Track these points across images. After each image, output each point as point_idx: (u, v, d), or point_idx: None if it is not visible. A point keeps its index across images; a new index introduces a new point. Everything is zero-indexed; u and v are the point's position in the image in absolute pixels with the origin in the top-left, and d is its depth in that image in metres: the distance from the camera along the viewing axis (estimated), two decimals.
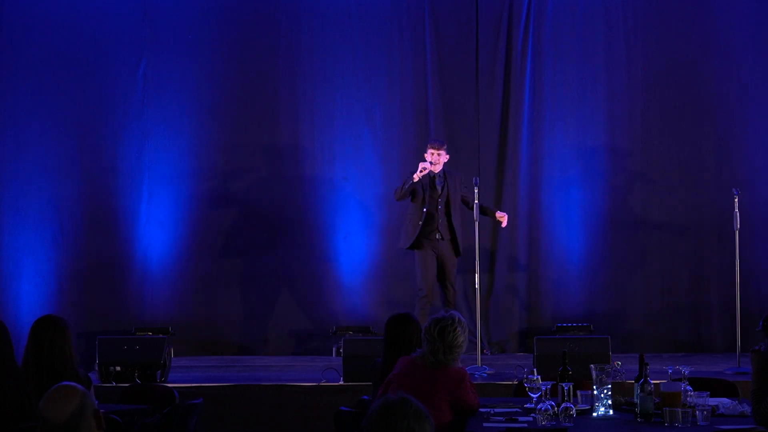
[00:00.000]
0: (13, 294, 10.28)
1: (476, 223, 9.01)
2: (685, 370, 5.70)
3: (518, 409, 5.49)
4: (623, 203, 10.52)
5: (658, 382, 5.39)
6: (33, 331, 5.57)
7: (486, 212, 9.43)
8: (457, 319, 5.42)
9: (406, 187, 9.30)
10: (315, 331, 10.41)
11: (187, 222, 10.54)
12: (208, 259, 10.55)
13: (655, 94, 10.50)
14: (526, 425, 5.11)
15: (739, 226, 8.86)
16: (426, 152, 9.39)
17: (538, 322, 10.42)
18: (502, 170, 10.56)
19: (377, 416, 3.18)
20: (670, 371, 5.73)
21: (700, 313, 10.39)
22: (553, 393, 5.40)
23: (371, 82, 10.61)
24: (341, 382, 8.32)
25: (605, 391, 5.33)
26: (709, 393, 5.44)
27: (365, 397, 6.29)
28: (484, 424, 5.14)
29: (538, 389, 5.28)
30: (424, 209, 9.37)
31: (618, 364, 5.68)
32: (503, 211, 9.59)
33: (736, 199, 8.84)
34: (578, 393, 5.46)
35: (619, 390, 5.47)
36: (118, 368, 8.50)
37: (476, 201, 9.01)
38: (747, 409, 5.31)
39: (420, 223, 9.38)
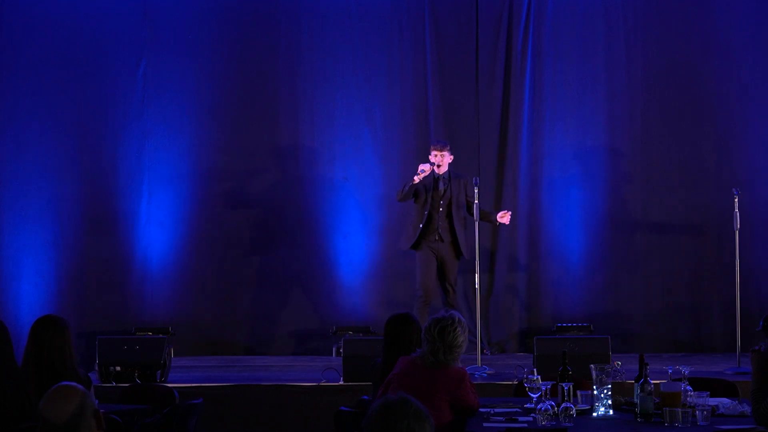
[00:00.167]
0: (13, 294, 10.28)
1: (476, 224, 9.01)
2: (685, 370, 5.70)
3: (518, 409, 5.49)
4: (623, 203, 10.52)
5: (658, 382, 5.39)
6: (33, 331, 5.57)
7: (488, 218, 9.41)
8: (457, 319, 5.43)
9: (407, 189, 9.30)
10: (315, 331, 10.41)
11: (187, 222, 10.54)
12: (208, 259, 10.55)
13: (655, 94, 10.50)
14: (526, 425, 5.11)
15: (739, 226, 8.86)
16: (429, 153, 9.41)
17: (538, 322, 10.42)
18: (502, 170, 10.56)
19: (377, 416, 3.18)
20: (670, 371, 5.73)
21: (700, 313, 10.39)
22: (553, 393, 5.40)
23: (371, 82, 10.61)
24: (341, 382, 8.32)
25: (605, 391, 5.33)
26: (709, 393, 5.44)
27: (365, 397, 6.29)
28: (484, 424, 5.14)
29: (538, 389, 5.29)
30: (426, 211, 9.37)
31: (618, 364, 5.68)
32: (503, 210, 9.57)
33: (736, 199, 8.84)
34: (578, 393, 5.46)
35: (619, 390, 5.47)
36: (118, 368, 8.50)
37: (476, 201, 9.01)
38: (747, 409, 5.31)
39: (421, 225, 9.38)
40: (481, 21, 10.57)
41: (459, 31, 10.62)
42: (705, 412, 5.07)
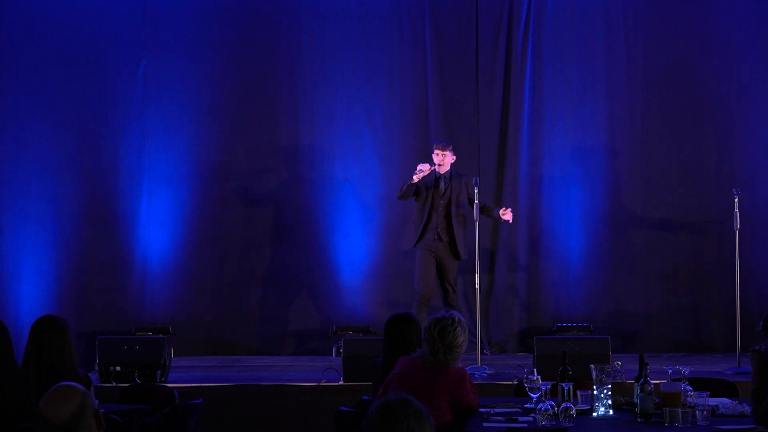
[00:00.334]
0: (13, 294, 10.28)
1: (476, 223, 9.01)
2: (685, 370, 5.70)
3: (518, 409, 5.49)
4: (623, 203, 10.52)
5: (658, 382, 5.39)
6: (33, 331, 5.57)
7: (489, 213, 9.41)
8: (457, 319, 5.42)
9: (405, 187, 9.31)
10: (315, 331, 10.41)
11: (187, 222, 10.54)
12: (208, 260, 10.55)
13: (655, 94, 10.50)
14: (526, 425, 5.11)
15: (739, 226, 8.86)
16: (432, 152, 9.43)
17: (538, 322, 10.42)
18: (502, 170, 10.56)
19: (377, 416, 3.18)
20: (670, 371, 5.73)
21: (700, 313, 10.39)
22: (553, 393, 5.40)
23: (371, 82, 10.61)
24: (341, 382, 8.32)
25: (605, 391, 5.33)
26: (709, 393, 5.44)
27: (365, 397, 6.29)
28: (484, 424, 5.14)
29: (538, 389, 5.29)
30: (426, 210, 9.37)
31: (618, 364, 5.68)
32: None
33: (736, 199, 8.84)
34: (578, 393, 5.46)
35: (619, 390, 5.47)
36: (118, 368, 8.50)
37: (476, 201, 9.01)
38: (747, 409, 5.31)
39: (421, 224, 9.39)
40: (481, 21, 10.57)
41: (459, 31, 10.62)
42: (705, 412, 5.07)
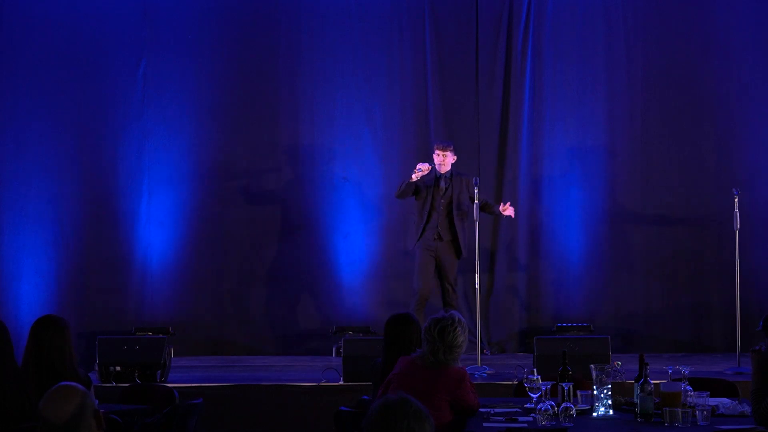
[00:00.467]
0: (13, 294, 10.28)
1: (476, 223, 9.01)
2: (685, 370, 5.69)
3: (518, 409, 5.49)
4: (623, 203, 10.52)
5: (658, 382, 5.39)
6: (33, 331, 5.57)
7: (491, 210, 9.41)
8: (457, 319, 5.42)
9: (404, 186, 9.32)
10: (315, 331, 10.41)
11: (187, 222, 10.54)
12: (208, 259, 10.55)
13: (655, 94, 10.50)
14: (526, 425, 5.11)
15: (739, 226, 8.85)
16: (433, 152, 9.43)
17: (538, 322, 10.42)
18: (502, 170, 10.56)
19: (377, 416, 3.18)
20: (670, 371, 5.73)
21: (700, 313, 10.39)
22: (553, 393, 5.40)
23: (371, 82, 10.61)
24: (341, 382, 8.32)
25: (605, 391, 5.33)
26: (709, 393, 5.44)
27: (365, 397, 6.29)
28: (484, 424, 5.14)
29: (538, 389, 5.28)
30: (426, 209, 9.38)
31: (618, 364, 5.68)
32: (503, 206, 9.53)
33: (736, 199, 8.83)
34: (578, 393, 5.46)
35: (619, 390, 5.47)
36: (118, 368, 8.50)
37: (476, 201, 9.01)
38: (747, 409, 5.31)
39: (422, 224, 9.39)
40: (481, 21, 10.57)
41: (459, 31, 10.62)
42: (705, 412, 5.07)
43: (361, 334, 9.25)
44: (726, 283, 9.54)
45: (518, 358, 9.88)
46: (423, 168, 9.27)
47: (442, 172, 9.39)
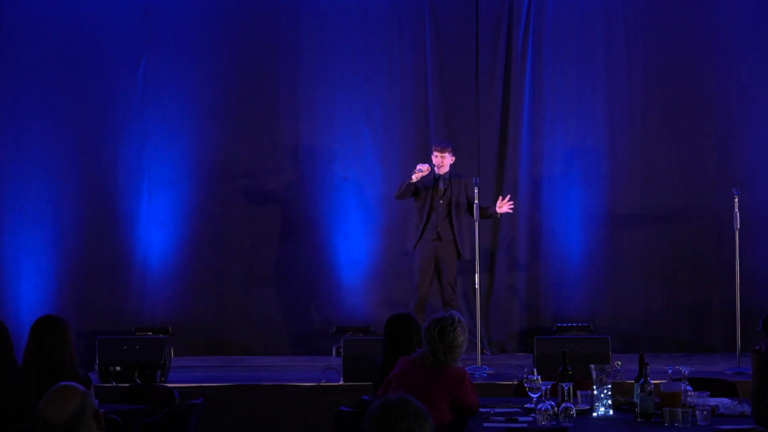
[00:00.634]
0: (13, 294, 10.28)
1: (476, 223, 9.01)
2: (685, 370, 5.69)
3: (518, 409, 5.49)
4: (623, 203, 10.52)
5: (658, 382, 5.38)
6: (33, 331, 5.57)
7: (488, 214, 9.40)
8: (457, 319, 5.42)
9: (403, 187, 9.32)
10: (315, 331, 10.42)
11: (187, 222, 10.54)
12: (208, 259, 10.55)
13: (655, 94, 10.50)
14: (526, 425, 5.11)
15: (739, 226, 8.85)
16: (431, 153, 9.43)
17: (538, 322, 10.42)
18: (502, 170, 10.56)
19: (377, 416, 3.18)
20: (670, 371, 5.73)
21: (700, 313, 10.39)
22: (553, 393, 5.40)
23: (371, 82, 10.61)
24: (341, 382, 8.32)
25: (605, 391, 5.33)
26: (709, 393, 5.44)
27: (365, 397, 6.29)
28: (484, 424, 5.14)
29: (538, 389, 5.28)
30: (425, 210, 9.39)
31: (618, 364, 5.68)
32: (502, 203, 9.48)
33: (736, 199, 8.83)
34: (578, 393, 5.46)
35: (619, 390, 5.47)
36: (118, 368, 8.50)
37: (476, 201, 9.01)
38: (747, 409, 5.31)
39: (421, 225, 9.40)
40: (481, 21, 10.57)
41: (459, 31, 10.62)
42: (705, 412, 5.07)
43: (361, 334, 9.25)
44: (726, 283, 9.54)
45: (518, 358, 9.87)
46: (423, 169, 9.27)
47: (441, 173, 9.39)
